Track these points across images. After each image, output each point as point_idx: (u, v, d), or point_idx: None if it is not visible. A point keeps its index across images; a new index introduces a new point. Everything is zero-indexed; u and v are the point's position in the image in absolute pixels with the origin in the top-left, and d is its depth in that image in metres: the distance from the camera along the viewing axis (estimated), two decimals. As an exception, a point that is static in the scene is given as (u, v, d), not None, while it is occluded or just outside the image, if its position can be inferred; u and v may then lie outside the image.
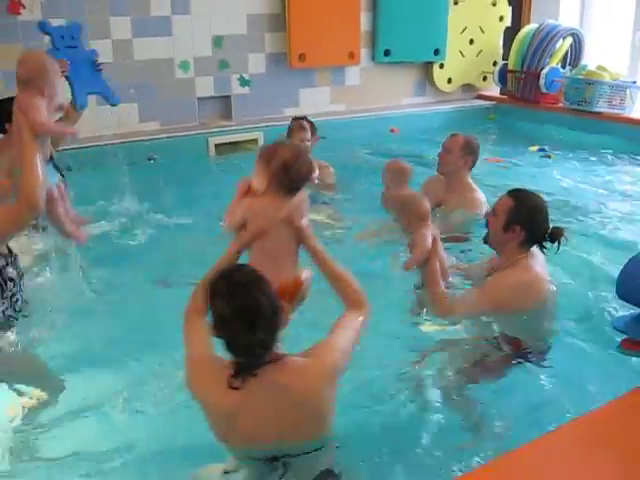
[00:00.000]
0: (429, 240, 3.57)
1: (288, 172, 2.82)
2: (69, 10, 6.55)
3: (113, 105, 5.08)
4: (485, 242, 3.62)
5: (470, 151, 4.89)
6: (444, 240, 3.89)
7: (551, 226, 3.41)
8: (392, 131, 8.07)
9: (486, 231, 3.58)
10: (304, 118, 5.86)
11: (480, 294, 3.47)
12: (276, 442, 2.35)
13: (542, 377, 3.03)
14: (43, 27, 4.82)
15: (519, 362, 3.17)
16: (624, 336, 2.92)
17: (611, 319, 3.16)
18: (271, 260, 2.75)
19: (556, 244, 3.37)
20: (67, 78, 4.64)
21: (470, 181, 4.97)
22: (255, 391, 2.26)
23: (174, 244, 4.79)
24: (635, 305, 2.95)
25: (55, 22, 6.27)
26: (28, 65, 3.42)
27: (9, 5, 6.35)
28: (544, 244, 3.44)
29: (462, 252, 4.43)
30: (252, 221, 2.82)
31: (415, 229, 3.62)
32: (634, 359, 2.88)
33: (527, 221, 3.38)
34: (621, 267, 2.94)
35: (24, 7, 6.42)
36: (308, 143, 5.51)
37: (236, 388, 2.24)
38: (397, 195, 4.06)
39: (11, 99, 3.56)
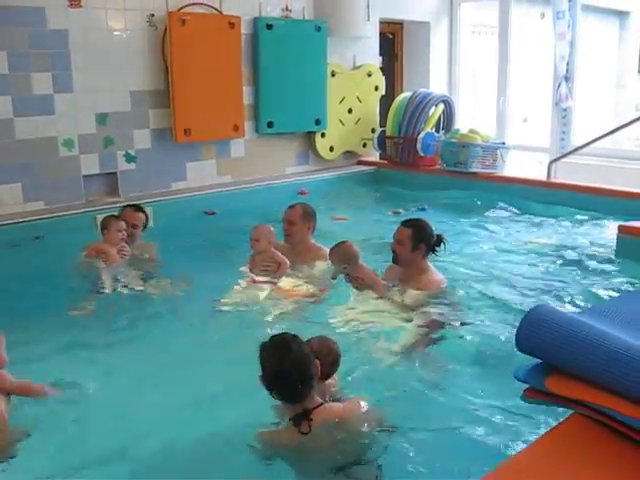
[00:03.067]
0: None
1: None
2: (-54, 91, 6.40)
3: None
4: (395, 263, 4.79)
5: (310, 218, 5.56)
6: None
7: (436, 235, 4.70)
8: (302, 193, 8.22)
9: (393, 256, 4.76)
10: (132, 206, 6.11)
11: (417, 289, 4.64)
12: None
13: (453, 428, 3.15)
14: None
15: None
16: (526, 386, 3.07)
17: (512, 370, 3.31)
18: None
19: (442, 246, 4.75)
20: None
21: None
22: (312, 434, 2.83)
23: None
24: (533, 356, 3.11)
25: None
26: None
27: None
28: (435, 250, 4.75)
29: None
30: None
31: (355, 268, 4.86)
32: (539, 406, 3.02)
33: (424, 238, 4.67)
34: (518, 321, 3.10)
35: None
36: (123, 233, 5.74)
37: (306, 433, 2.81)
38: (334, 247, 5.01)
39: None
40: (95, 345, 4.35)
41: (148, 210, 7.18)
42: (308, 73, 8.58)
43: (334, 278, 5.03)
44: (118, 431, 3.31)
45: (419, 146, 8.88)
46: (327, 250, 5.31)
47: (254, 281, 5.28)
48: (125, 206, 6.11)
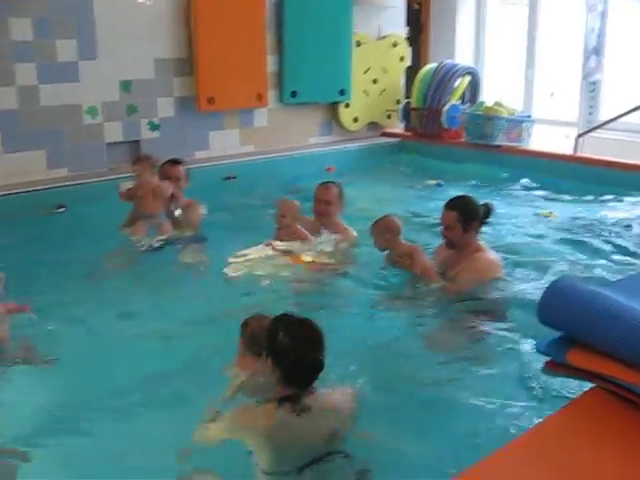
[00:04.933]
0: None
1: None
2: (-28, 57, 6.43)
3: None
4: (450, 247, 4.54)
5: (343, 197, 5.45)
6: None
7: (483, 206, 4.46)
8: (329, 170, 8.13)
9: (446, 241, 4.54)
10: (170, 161, 6.04)
11: (473, 274, 4.37)
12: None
13: (473, 400, 3.15)
14: None
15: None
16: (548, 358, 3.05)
17: (534, 342, 3.29)
18: None
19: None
20: None
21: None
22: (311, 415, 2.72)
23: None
24: (555, 329, 3.08)
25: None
26: None
27: None
28: (484, 221, 4.50)
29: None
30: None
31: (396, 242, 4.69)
32: (559, 379, 3.01)
33: (474, 215, 4.40)
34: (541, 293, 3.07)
35: None
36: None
37: (303, 411, 2.70)
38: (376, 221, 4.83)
39: None
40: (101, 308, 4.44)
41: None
42: (333, 42, 8.50)
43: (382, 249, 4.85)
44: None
45: (444, 118, 8.78)
46: (354, 232, 5.32)
47: (274, 247, 5.26)
48: (163, 162, 5.98)
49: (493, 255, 4.54)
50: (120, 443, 3.05)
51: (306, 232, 5.31)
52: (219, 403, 2.99)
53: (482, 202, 4.53)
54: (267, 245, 5.25)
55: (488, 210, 4.49)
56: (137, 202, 5.82)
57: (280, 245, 5.23)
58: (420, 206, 6.81)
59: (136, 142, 7.57)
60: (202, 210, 5.93)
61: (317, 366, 2.77)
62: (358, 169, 8.40)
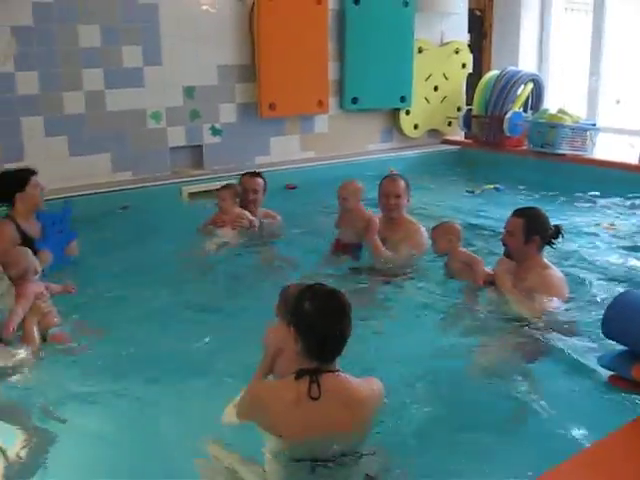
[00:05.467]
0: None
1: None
2: (41, 63, 6.61)
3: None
4: (507, 257, 4.35)
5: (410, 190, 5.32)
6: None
7: (553, 226, 4.24)
8: (391, 172, 8.10)
9: (505, 249, 4.35)
10: (250, 173, 6.09)
11: (550, 293, 4.10)
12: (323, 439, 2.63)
13: (537, 412, 3.10)
14: (40, 217, 5.04)
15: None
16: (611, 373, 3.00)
17: (598, 356, 3.23)
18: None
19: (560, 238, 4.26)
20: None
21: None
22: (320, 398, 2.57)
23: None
24: (619, 343, 3.03)
25: (27, 75, 6.43)
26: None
27: (-19, 58, 6.37)
28: (552, 242, 4.26)
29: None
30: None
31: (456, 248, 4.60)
32: (622, 394, 2.94)
33: (539, 230, 4.19)
34: (605, 307, 3.02)
35: (-4, 60, 6.45)
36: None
37: (316, 398, 2.56)
38: (439, 224, 4.81)
39: (19, 171, 4.92)
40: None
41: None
42: (394, 49, 8.50)
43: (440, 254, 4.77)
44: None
45: (506, 126, 8.68)
46: (420, 225, 5.22)
47: (338, 247, 5.28)
48: (243, 174, 6.08)
49: (555, 277, 4.27)
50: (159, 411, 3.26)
51: (370, 213, 5.21)
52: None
53: (554, 223, 4.32)
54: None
55: (557, 231, 4.26)
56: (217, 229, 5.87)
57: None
58: (478, 213, 6.76)
59: (198, 147, 7.68)
60: (279, 220, 6.02)
61: (341, 339, 2.63)
62: (418, 176, 8.31)
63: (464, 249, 4.71)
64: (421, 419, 3.11)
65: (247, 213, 5.77)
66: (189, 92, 7.45)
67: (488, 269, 4.54)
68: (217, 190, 5.92)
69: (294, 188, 7.62)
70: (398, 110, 8.94)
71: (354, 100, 8.47)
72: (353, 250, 5.28)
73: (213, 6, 7.41)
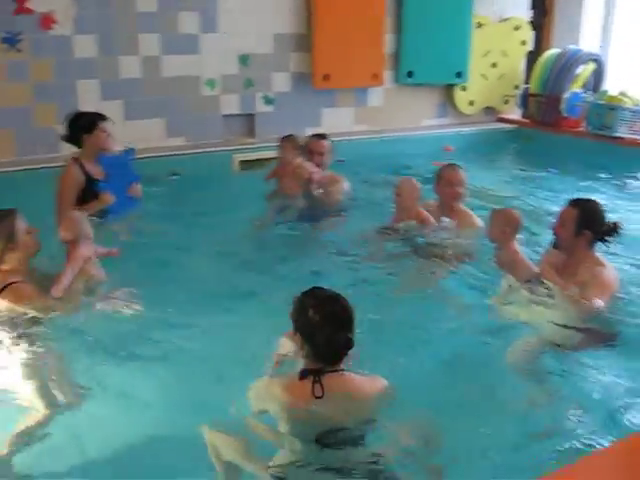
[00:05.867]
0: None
1: None
2: (99, 26, 6.68)
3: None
4: (555, 247, 4.09)
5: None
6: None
7: (609, 223, 3.95)
8: (446, 149, 8.09)
9: (554, 238, 4.06)
10: (316, 135, 6.05)
11: (601, 291, 3.80)
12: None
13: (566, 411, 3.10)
14: (101, 160, 5.10)
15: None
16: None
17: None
18: None
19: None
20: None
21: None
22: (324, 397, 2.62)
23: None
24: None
25: (85, 38, 6.49)
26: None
27: (41, 20, 6.44)
28: (606, 239, 3.97)
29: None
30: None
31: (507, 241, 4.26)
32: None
33: (592, 224, 3.92)
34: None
35: (56, 22, 6.51)
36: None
37: (320, 397, 2.60)
38: (498, 209, 4.48)
39: (89, 114, 5.03)
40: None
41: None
42: (452, 23, 8.35)
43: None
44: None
45: (563, 106, 8.49)
46: (475, 219, 5.05)
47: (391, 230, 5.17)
48: (310, 136, 6.05)
49: (613, 271, 4.01)
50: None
51: (427, 214, 5.05)
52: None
53: (612, 220, 4.01)
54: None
55: (614, 228, 3.96)
56: (278, 181, 5.90)
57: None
58: (530, 194, 6.62)
59: (251, 115, 7.69)
60: (344, 184, 5.93)
61: (346, 345, 2.66)
62: (471, 154, 8.21)
63: (515, 246, 4.31)
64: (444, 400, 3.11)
65: (308, 164, 5.72)
66: (244, 60, 7.44)
67: (534, 266, 4.24)
68: (280, 140, 5.91)
69: (342, 162, 7.56)
70: (454, 86, 8.81)
71: (409, 74, 8.37)
72: None
73: (271, -26, 7.39)
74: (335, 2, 7.51)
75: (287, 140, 5.82)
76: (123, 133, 6.81)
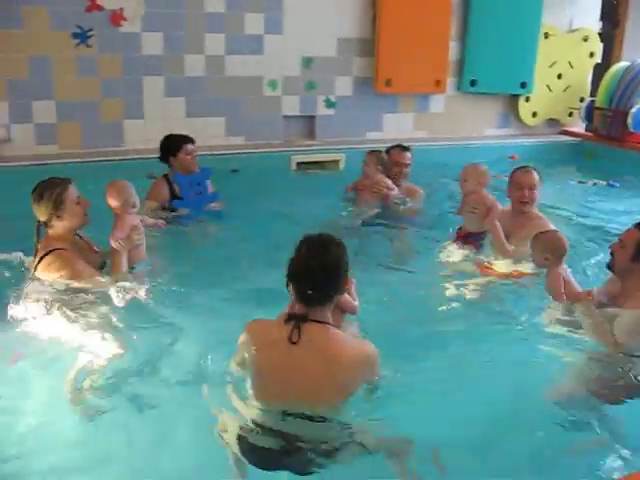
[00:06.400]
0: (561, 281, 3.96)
1: None
2: (168, 25, 6.82)
3: None
4: (609, 268, 3.76)
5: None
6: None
7: None
8: (512, 158, 8.02)
9: (610, 259, 3.72)
10: (399, 146, 6.00)
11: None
12: (294, 401, 2.66)
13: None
14: (178, 180, 5.43)
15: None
16: None
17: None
18: None
19: None
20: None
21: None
22: (300, 344, 2.63)
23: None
24: None
25: (152, 36, 6.64)
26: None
27: (111, 17, 6.61)
28: None
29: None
30: None
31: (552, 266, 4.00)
32: None
33: None
34: None
35: (125, 19, 6.67)
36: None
37: (295, 343, 2.61)
38: (541, 232, 4.20)
39: (175, 137, 5.45)
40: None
41: (341, 156, 7.36)
42: (519, 32, 8.26)
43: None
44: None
45: (630, 121, 8.31)
46: (550, 223, 4.74)
47: (460, 236, 5.07)
48: (392, 147, 6.03)
49: None
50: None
51: (492, 198, 4.90)
52: None
53: None
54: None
55: None
56: (357, 193, 5.94)
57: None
58: (590, 209, 6.47)
59: (311, 117, 7.74)
60: (422, 196, 5.94)
61: (320, 274, 2.64)
62: (532, 166, 8.10)
63: (559, 272, 4.01)
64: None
65: (388, 182, 5.76)
66: (307, 63, 7.50)
67: (579, 295, 3.96)
68: (365, 154, 5.92)
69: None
70: (517, 96, 8.71)
71: (472, 82, 8.32)
72: (475, 240, 5.01)
73: (338, -22, 7.44)
74: (401, 8, 7.51)
75: (371, 155, 5.84)
76: (184, 130, 6.97)
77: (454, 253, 4.94)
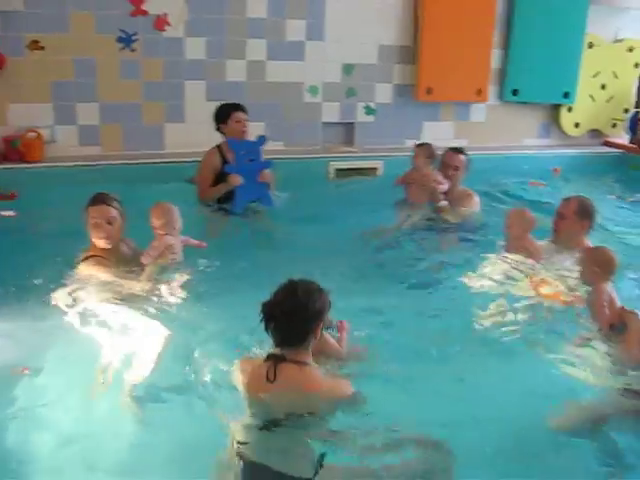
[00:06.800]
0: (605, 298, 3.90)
1: None
2: (211, 30, 6.89)
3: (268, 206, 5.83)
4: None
5: (586, 215, 4.78)
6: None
7: None
8: (555, 171, 7.96)
9: None
10: (452, 149, 6.01)
11: None
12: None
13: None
14: (231, 145, 5.70)
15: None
16: None
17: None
18: None
19: None
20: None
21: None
22: (276, 382, 2.79)
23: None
24: None
25: (195, 41, 6.71)
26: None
27: (156, 22, 6.70)
28: None
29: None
30: None
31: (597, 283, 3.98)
32: None
33: None
34: None
35: (169, 24, 6.76)
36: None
37: (271, 381, 2.77)
38: (589, 248, 4.27)
39: (225, 105, 5.76)
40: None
41: (379, 163, 7.35)
42: (563, 42, 8.17)
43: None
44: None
45: (675, 133, 8.19)
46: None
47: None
48: (447, 149, 6.03)
49: None
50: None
51: (537, 247, 4.80)
52: None
53: None
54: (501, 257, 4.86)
55: None
56: (406, 188, 5.94)
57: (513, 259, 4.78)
58: (634, 228, 6.35)
59: (350, 124, 7.75)
60: (476, 202, 5.85)
61: (286, 319, 2.80)
62: (573, 177, 8.02)
63: (605, 288, 3.97)
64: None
65: (437, 176, 5.74)
66: (348, 69, 7.52)
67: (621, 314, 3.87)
68: (414, 147, 5.97)
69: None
70: (559, 106, 8.62)
71: (514, 92, 8.25)
72: None
73: (380, -15, 7.45)
74: (443, 16, 7.49)
75: (421, 147, 5.87)
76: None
77: (501, 267, 4.75)
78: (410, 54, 7.69)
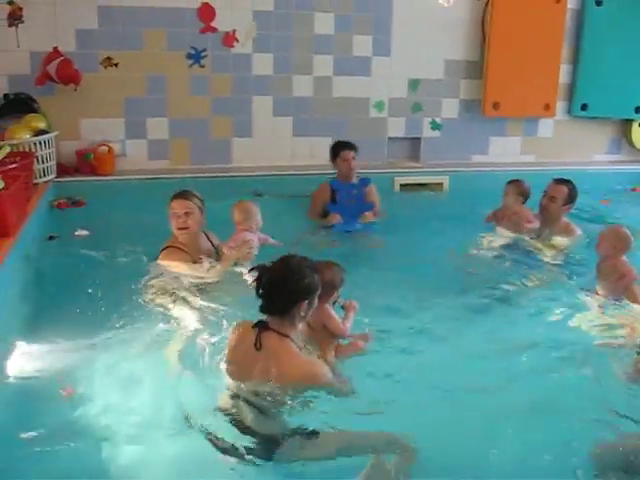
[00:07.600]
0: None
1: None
2: (278, 46, 6.99)
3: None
4: None
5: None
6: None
7: None
8: (634, 190, 7.82)
9: None
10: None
11: None
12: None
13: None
14: (333, 186, 6.02)
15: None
16: None
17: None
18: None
19: None
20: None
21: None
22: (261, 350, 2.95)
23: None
24: None
25: (263, 57, 6.80)
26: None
27: (224, 39, 6.82)
28: None
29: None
30: None
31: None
32: None
33: None
34: None
35: (237, 41, 6.88)
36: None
37: (258, 349, 2.93)
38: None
39: (339, 143, 6.15)
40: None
41: (445, 179, 7.31)
42: (634, 56, 8.02)
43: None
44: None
45: None
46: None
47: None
48: (553, 180, 5.66)
49: None
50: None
51: (629, 266, 4.43)
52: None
53: None
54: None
55: None
56: (496, 225, 5.83)
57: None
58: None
59: (416, 139, 7.75)
60: (576, 237, 5.52)
61: (267, 289, 2.95)
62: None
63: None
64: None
65: (528, 214, 5.63)
66: (414, 85, 7.52)
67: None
68: (505, 184, 5.77)
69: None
70: (631, 121, 8.44)
71: (583, 106, 8.12)
72: None
73: (447, 0, 7.43)
74: (511, 30, 7.43)
75: (511, 185, 5.71)
76: (290, 148, 7.17)
77: (591, 306, 4.35)
78: (477, 69, 7.65)
